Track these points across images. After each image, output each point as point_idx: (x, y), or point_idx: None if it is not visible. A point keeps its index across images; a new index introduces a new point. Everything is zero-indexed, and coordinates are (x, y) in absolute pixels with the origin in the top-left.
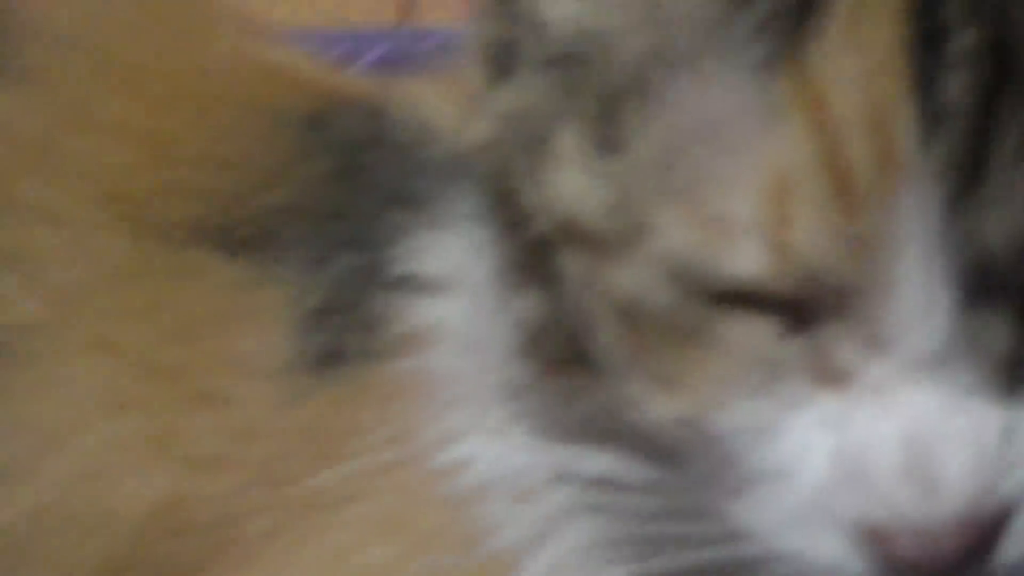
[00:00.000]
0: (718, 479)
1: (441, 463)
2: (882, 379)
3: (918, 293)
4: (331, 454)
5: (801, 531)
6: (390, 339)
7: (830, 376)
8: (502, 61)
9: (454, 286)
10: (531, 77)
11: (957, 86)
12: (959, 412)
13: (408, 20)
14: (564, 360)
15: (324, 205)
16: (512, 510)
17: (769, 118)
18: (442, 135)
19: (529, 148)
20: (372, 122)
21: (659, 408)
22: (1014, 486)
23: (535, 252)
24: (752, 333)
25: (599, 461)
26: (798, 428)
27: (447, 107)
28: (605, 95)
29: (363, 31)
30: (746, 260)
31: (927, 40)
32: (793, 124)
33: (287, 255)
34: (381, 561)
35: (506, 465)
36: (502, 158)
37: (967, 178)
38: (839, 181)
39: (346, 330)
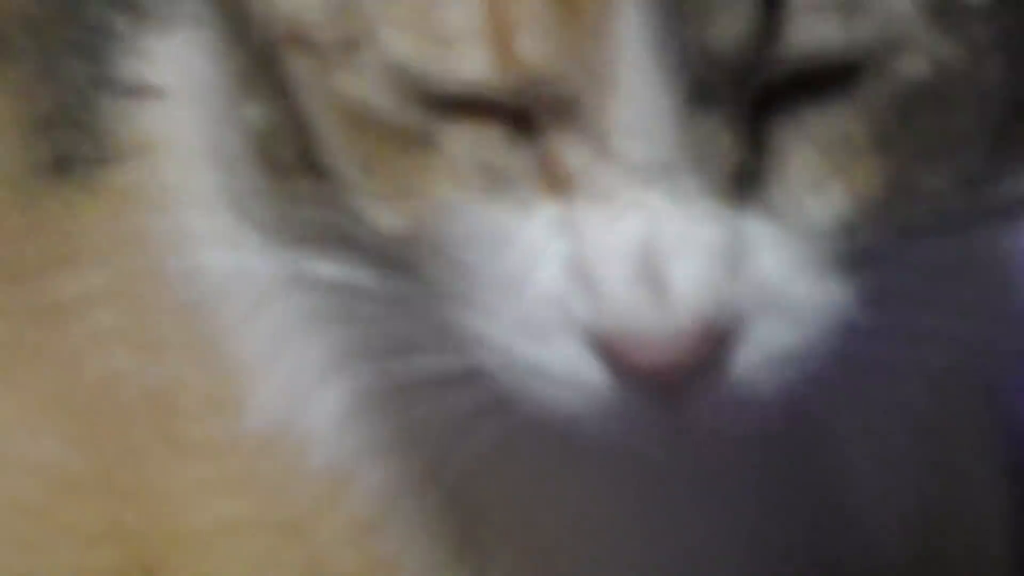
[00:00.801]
0: (451, 288)
1: (174, 269)
2: (608, 186)
3: (641, 98)
4: (64, 259)
5: (535, 339)
6: (119, 145)
7: (557, 183)
8: None
9: (181, 92)
10: None
11: None
12: (688, 220)
13: None
14: (294, 167)
15: (50, 15)
16: (248, 317)
17: None
18: None
19: None
20: None
21: (386, 218)
22: (745, 297)
23: (261, 59)
24: (475, 140)
25: (333, 267)
26: (528, 234)
27: None
28: None
29: None
30: (467, 67)
31: None
32: None
33: (13, 64)
34: (114, 369)
35: (242, 271)
36: None
37: None
38: None
39: (76, 136)
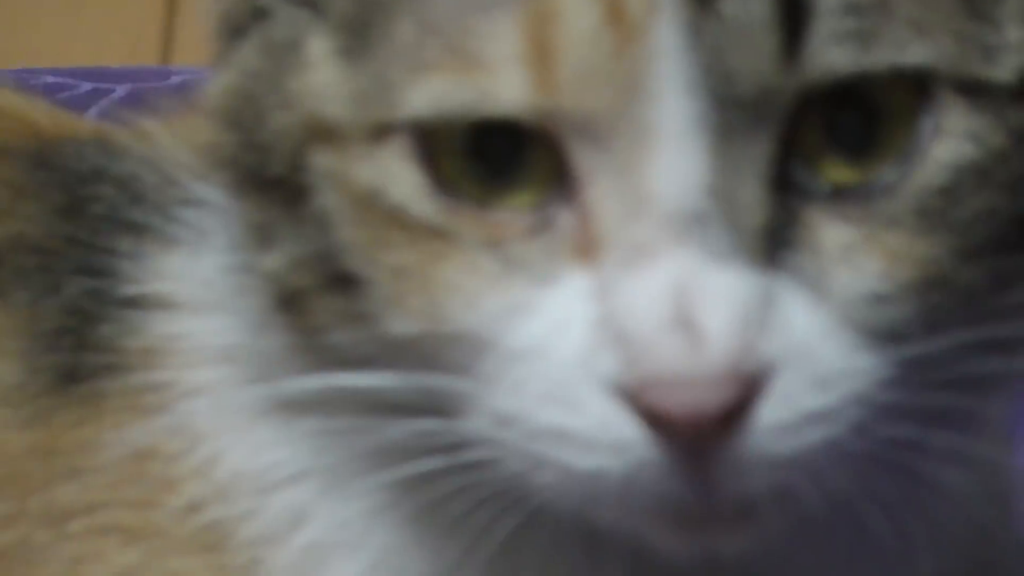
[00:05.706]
0: (474, 371)
1: (186, 466)
2: (643, 240)
3: (674, 134)
4: (73, 469)
5: (564, 405)
6: (126, 355)
7: (588, 246)
8: (238, 23)
9: (186, 300)
10: (284, 9)
11: None
12: (719, 271)
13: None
14: (316, 291)
15: (52, 237)
16: (257, 504)
17: None
18: (168, 165)
19: (276, 70)
20: (96, 157)
21: (400, 324)
22: (773, 350)
23: (278, 192)
24: (495, 226)
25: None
26: (552, 304)
27: (175, 140)
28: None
29: (113, 69)
30: (507, 92)
31: None
32: None
33: (17, 285)
34: (120, 569)
35: (254, 461)
36: (244, 101)
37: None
38: (610, 11)
39: (81, 349)
